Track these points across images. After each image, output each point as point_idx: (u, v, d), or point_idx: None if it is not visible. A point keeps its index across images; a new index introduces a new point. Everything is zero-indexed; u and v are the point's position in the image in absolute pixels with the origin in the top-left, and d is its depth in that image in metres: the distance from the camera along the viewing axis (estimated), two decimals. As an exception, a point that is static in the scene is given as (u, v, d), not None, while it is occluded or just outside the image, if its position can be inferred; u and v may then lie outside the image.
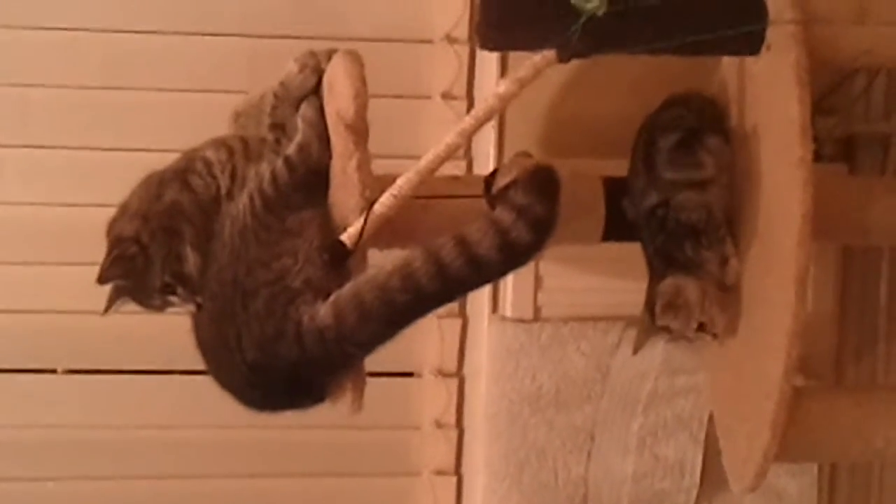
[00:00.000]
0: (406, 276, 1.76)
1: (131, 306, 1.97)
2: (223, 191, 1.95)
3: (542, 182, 1.78)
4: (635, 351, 2.12)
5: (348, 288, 1.80)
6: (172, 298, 1.93)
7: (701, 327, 2.04)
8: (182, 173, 1.98)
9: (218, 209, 1.94)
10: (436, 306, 1.83)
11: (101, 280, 1.91)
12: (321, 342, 1.79)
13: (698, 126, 2.09)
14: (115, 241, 1.93)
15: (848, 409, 2.07)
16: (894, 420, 2.04)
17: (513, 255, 1.76)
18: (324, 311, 1.79)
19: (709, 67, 2.16)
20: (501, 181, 2.01)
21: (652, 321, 2.07)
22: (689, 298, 2.03)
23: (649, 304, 2.07)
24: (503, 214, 1.75)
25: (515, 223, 1.74)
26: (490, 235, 1.74)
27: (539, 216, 1.75)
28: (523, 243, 1.75)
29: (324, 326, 1.79)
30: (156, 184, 1.98)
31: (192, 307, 1.93)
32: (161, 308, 1.96)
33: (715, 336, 2.05)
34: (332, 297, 1.80)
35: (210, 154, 1.98)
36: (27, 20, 2.48)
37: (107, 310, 1.97)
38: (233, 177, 1.96)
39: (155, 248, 1.93)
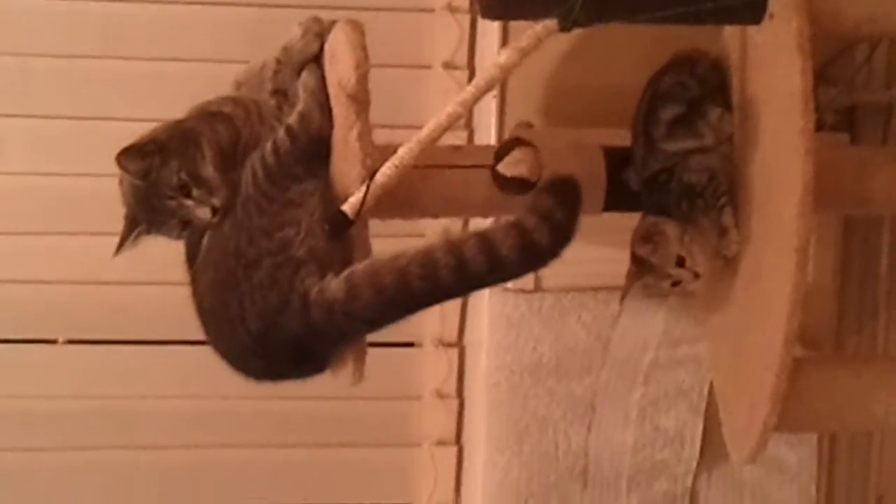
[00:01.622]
0: (426, 265, 1.76)
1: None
2: (242, 141, 1.95)
3: (566, 191, 1.80)
4: (622, 299, 2.12)
5: (365, 265, 1.80)
6: (188, 202, 1.91)
7: (681, 263, 2.04)
8: (206, 116, 1.98)
9: (235, 159, 1.94)
10: (449, 298, 1.85)
11: (120, 164, 1.90)
12: (329, 315, 1.79)
13: (700, 95, 2.09)
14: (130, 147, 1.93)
15: (848, 379, 2.07)
16: (894, 390, 2.05)
17: (531, 258, 1.78)
18: (336, 284, 1.79)
19: (711, 36, 2.15)
20: (506, 170, 2.01)
21: (636, 268, 2.08)
22: (667, 232, 2.04)
23: (632, 253, 2.08)
24: (528, 218, 1.77)
25: (539, 226, 1.76)
26: (513, 236, 1.75)
27: (560, 222, 1.77)
28: (543, 247, 1.77)
29: (334, 300, 1.79)
30: (174, 122, 1.98)
31: (208, 212, 1.91)
32: (175, 225, 1.94)
33: (697, 276, 2.05)
34: (345, 272, 1.80)
35: (228, 109, 1.98)
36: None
37: (120, 245, 1.97)
38: (251, 134, 1.95)
39: (173, 146, 1.92)
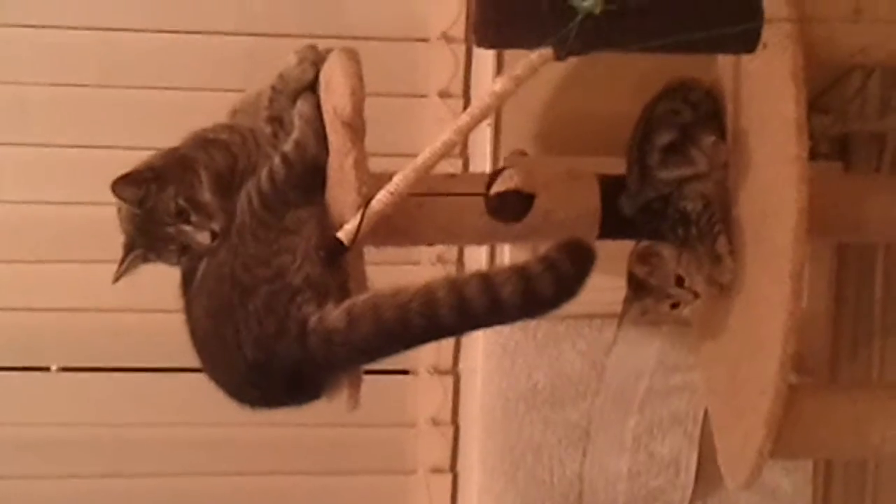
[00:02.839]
0: (427, 303, 1.76)
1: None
2: (239, 168, 1.95)
3: (580, 250, 1.80)
4: (619, 323, 2.13)
5: (366, 298, 1.81)
6: (186, 228, 1.91)
7: (680, 283, 2.04)
8: (202, 142, 1.98)
9: (232, 185, 1.94)
10: (448, 336, 1.87)
11: (116, 192, 1.90)
12: (327, 344, 1.79)
13: (693, 122, 2.10)
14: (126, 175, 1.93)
15: (843, 406, 2.08)
16: (890, 417, 2.05)
17: (531, 305, 1.78)
18: (336, 314, 1.79)
19: (705, 65, 2.16)
20: (499, 186, 2.02)
21: (633, 292, 2.08)
22: (663, 253, 2.04)
23: (629, 277, 2.09)
24: (533, 264, 1.77)
25: (542, 274, 1.76)
26: (515, 280, 1.75)
27: (566, 276, 1.76)
28: (544, 296, 1.76)
29: (334, 330, 1.79)
30: (170, 149, 1.99)
31: (207, 236, 1.91)
32: (174, 251, 1.94)
33: (696, 296, 2.05)
34: (346, 304, 1.80)
35: (225, 136, 1.99)
36: (25, 19, 2.48)
37: (118, 273, 1.97)
38: (248, 160, 1.96)
39: (169, 173, 1.93)
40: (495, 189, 2.03)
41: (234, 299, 1.85)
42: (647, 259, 2.05)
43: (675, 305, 2.08)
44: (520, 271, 1.76)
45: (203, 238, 1.91)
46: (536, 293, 1.76)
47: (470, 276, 1.78)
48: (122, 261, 1.96)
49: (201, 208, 1.92)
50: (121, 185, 1.90)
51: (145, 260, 1.97)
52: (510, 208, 2.05)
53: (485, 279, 1.77)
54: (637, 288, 2.08)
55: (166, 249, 1.94)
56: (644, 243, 2.07)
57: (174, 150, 1.98)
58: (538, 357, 2.67)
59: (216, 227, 1.91)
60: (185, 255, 1.94)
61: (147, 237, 1.94)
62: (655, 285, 2.06)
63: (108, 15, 2.49)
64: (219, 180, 1.93)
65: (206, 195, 1.92)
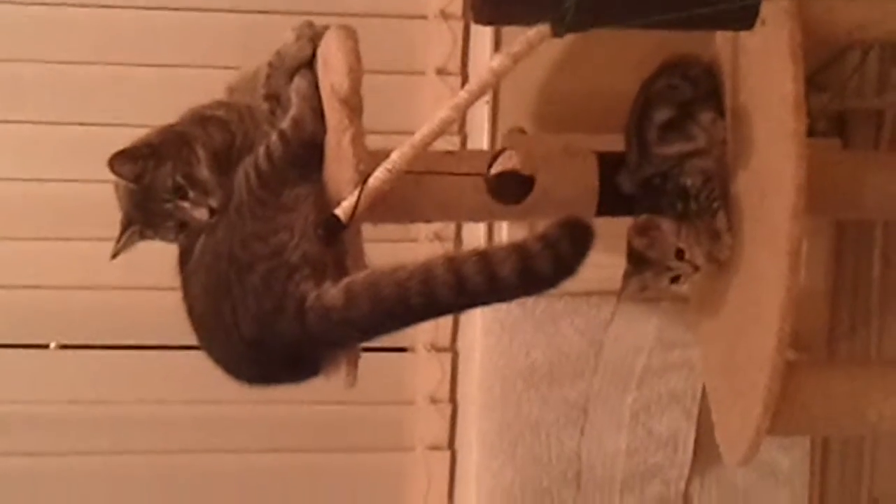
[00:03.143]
0: (425, 281, 1.76)
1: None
2: (236, 145, 1.95)
3: (578, 229, 1.79)
4: (619, 298, 2.12)
5: (365, 275, 1.81)
6: (184, 204, 1.92)
7: (680, 255, 2.04)
8: (199, 120, 1.98)
9: (229, 162, 1.94)
10: (446, 314, 1.87)
11: (113, 168, 1.90)
12: (325, 322, 1.79)
13: (692, 98, 2.10)
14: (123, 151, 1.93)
15: (841, 383, 2.08)
16: (887, 394, 2.05)
17: (529, 283, 1.78)
18: (334, 292, 1.79)
19: (704, 42, 2.15)
20: (499, 167, 2.02)
21: (633, 266, 2.08)
22: (662, 226, 2.04)
23: (628, 250, 2.09)
24: (532, 243, 1.77)
25: (541, 253, 1.75)
26: (514, 259, 1.75)
27: (564, 254, 1.76)
28: (542, 274, 1.76)
29: (332, 307, 1.79)
30: (167, 126, 1.98)
31: (205, 213, 1.91)
32: (172, 227, 1.94)
33: (696, 268, 2.05)
34: (345, 281, 1.81)
35: (223, 114, 1.99)
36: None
37: (116, 250, 1.97)
38: (245, 138, 1.96)
39: (166, 149, 1.93)
40: (495, 170, 2.03)
41: (231, 277, 1.85)
42: (647, 232, 2.05)
43: (675, 279, 2.07)
44: (518, 249, 1.76)
45: (201, 214, 1.91)
46: (535, 271, 1.76)
47: (468, 254, 1.78)
48: (120, 237, 1.96)
49: (199, 185, 1.92)
50: (118, 161, 1.90)
51: (143, 236, 1.97)
52: (510, 190, 2.05)
53: (483, 257, 1.77)
54: (636, 261, 2.08)
55: (164, 226, 1.94)
56: (643, 216, 2.06)
57: (171, 127, 1.98)
58: (536, 334, 2.67)
59: (214, 203, 1.91)
60: (183, 231, 1.94)
61: (145, 214, 1.94)
62: (655, 258, 2.05)
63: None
64: (216, 157, 1.93)
65: (204, 172, 1.92)
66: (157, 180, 1.92)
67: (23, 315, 2.63)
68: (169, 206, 1.93)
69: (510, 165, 2.02)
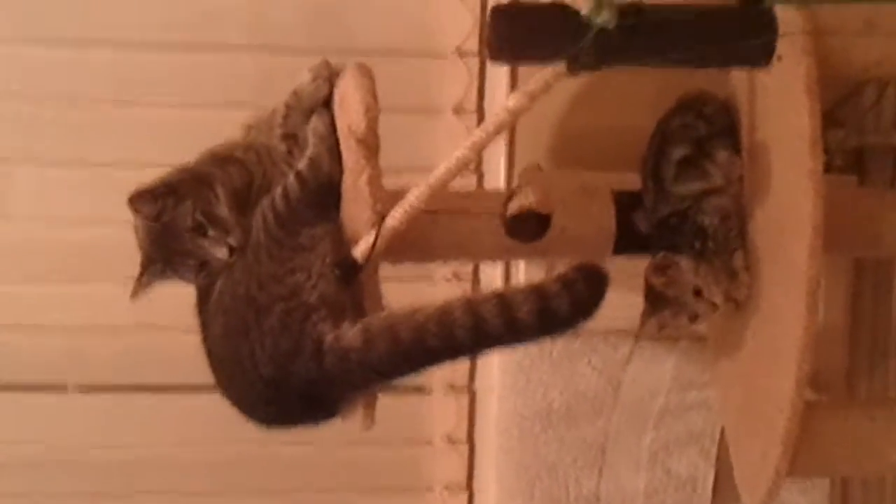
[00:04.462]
0: (443, 323, 1.77)
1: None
2: (255, 185, 1.96)
3: (594, 272, 1.80)
4: (637, 337, 2.12)
5: (383, 317, 1.81)
6: (204, 242, 1.92)
7: (698, 293, 2.04)
8: (218, 160, 1.99)
9: (248, 202, 1.94)
10: (465, 356, 1.86)
11: (133, 206, 1.91)
12: (343, 363, 1.79)
13: (708, 135, 2.09)
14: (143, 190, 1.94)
15: (860, 424, 2.07)
16: (907, 434, 2.04)
17: (548, 324, 1.78)
18: (352, 334, 1.80)
19: (719, 79, 2.16)
20: (516, 205, 2.02)
21: (651, 305, 2.07)
22: (680, 264, 2.03)
23: (646, 289, 2.08)
24: (550, 284, 1.77)
25: (560, 293, 1.76)
26: (532, 300, 1.75)
27: (583, 296, 1.77)
28: (561, 316, 1.77)
29: (350, 349, 1.79)
30: (185, 166, 1.99)
31: (225, 251, 1.92)
32: (192, 266, 1.94)
33: (715, 307, 2.04)
34: (363, 323, 1.81)
35: (240, 154, 1.99)
36: (38, 35, 2.49)
37: (136, 290, 1.96)
38: (263, 178, 1.96)
39: (186, 188, 1.94)
40: (511, 209, 2.04)
41: (249, 318, 1.85)
42: (665, 270, 2.05)
43: (693, 318, 2.07)
44: (536, 291, 1.77)
45: (221, 252, 1.92)
46: (553, 312, 1.76)
47: (486, 296, 1.78)
48: (140, 277, 1.96)
49: (218, 222, 1.92)
50: (138, 199, 1.91)
51: (163, 276, 1.97)
52: (527, 228, 2.05)
53: (501, 299, 1.77)
54: (654, 300, 2.07)
55: (184, 265, 1.95)
56: (661, 255, 2.06)
57: (190, 166, 1.99)
58: (553, 374, 2.67)
59: (234, 241, 1.91)
60: (203, 271, 1.94)
61: (165, 252, 1.94)
62: (673, 297, 2.05)
63: (121, 31, 2.50)
64: (235, 197, 1.93)
65: (224, 210, 1.92)
66: (176, 218, 1.92)
67: (41, 357, 2.64)
68: (189, 244, 1.93)
69: (527, 204, 2.03)
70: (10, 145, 2.54)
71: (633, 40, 1.70)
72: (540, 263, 2.45)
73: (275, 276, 1.86)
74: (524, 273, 2.54)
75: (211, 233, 1.92)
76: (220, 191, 1.93)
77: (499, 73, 2.51)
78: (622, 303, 2.12)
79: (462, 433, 2.75)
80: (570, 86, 2.44)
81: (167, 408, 2.69)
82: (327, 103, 1.97)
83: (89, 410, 2.69)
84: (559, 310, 1.76)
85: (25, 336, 2.62)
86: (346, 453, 2.71)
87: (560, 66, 1.71)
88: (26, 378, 2.65)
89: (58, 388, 2.68)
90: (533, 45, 1.73)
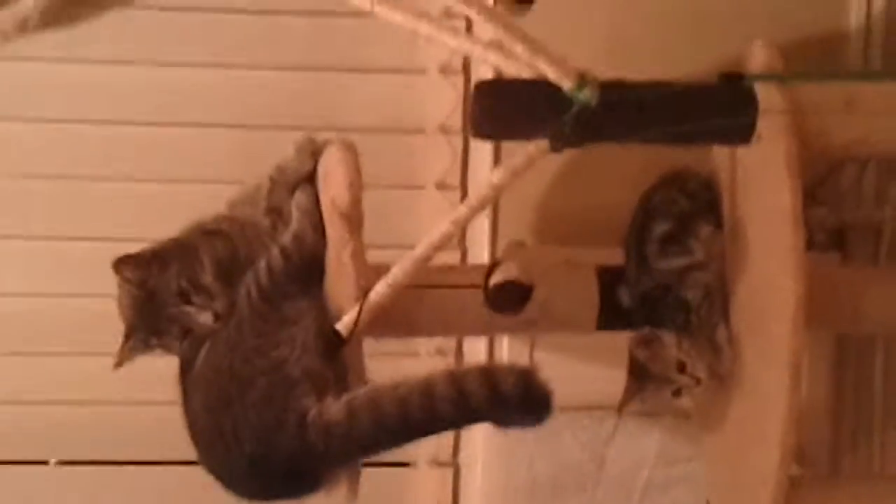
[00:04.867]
0: (426, 396, 1.77)
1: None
2: (240, 258, 1.96)
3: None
4: (620, 411, 2.11)
5: (366, 391, 1.81)
6: (188, 309, 1.91)
7: (681, 368, 2.04)
8: (203, 232, 1.99)
9: (232, 274, 1.95)
10: (449, 429, 1.86)
11: (118, 271, 1.91)
12: (327, 438, 1.79)
13: (690, 211, 2.11)
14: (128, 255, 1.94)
15: (844, 499, 2.07)
16: (892, 510, 2.04)
17: (532, 400, 1.79)
18: (336, 408, 1.79)
19: (701, 156, 2.17)
20: (498, 277, 2.03)
21: (635, 379, 2.07)
22: (663, 339, 2.04)
23: (630, 363, 2.08)
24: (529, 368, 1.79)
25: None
26: (517, 374, 1.76)
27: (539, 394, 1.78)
28: (546, 391, 1.78)
29: (333, 423, 1.78)
30: (170, 238, 2.00)
31: (210, 317, 1.91)
32: (176, 334, 1.94)
33: (698, 381, 2.04)
34: (346, 397, 1.80)
35: (225, 227, 2.00)
36: (25, 113, 2.50)
37: (119, 359, 1.95)
38: (248, 251, 1.97)
39: (171, 255, 1.94)
40: (493, 280, 2.04)
41: (232, 391, 1.85)
42: (648, 344, 2.05)
43: (676, 392, 2.07)
44: (520, 366, 1.78)
45: (205, 319, 1.91)
46: (538, 387, 1.77)
47: (470, 369, 1.78)
48: (123, 346, 1.95)
49: (203, 290, 1.92)
50: (123, 264, 1.91)
51: (146, 346, 1.96)
52: (509, 300, 2.06)
53: (485, 372, 1.77)
54: (638, 374, 2.07)
55: (168, 333, 1.94)
56: (645, 329, 2.07)
57: (175, 237, 1.99)
58: (539, 448, 2.66)
59: (219, 307, 1.91)
60: (186, 339, 1.94)
61: (148, 320, 1.94)
62: (657, 371, 2.05)
63: (108, 108, 2.51)
64: (220, 267, 1.94)
65: (208, 278, 1.92)
66: (161, 284, 1.92)
67: (21, 431, 2.62)
68: (173, 310, 1.92)
69: (508, 276, 2.03)
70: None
71: (614, 117, 1.72)
72: (524, 339, 2.45)
73: (258, 349, 1.86)
74: (507, 349, 2.54)
75: (195, 299, 1.92)
76: (205, 260, 1.93)
77: (482, 150, 2.52)
78: (606, 378, 2.13)
79: (447, 507, 2.74)
80: (554, 162, 2.46)
81: (149, 482, 2.67)
82: (311, 178, 1.98)
83: (71, 485, 2.67)
84: (545, 385, 1.76)
85: (5, 410, 2.60)
86: (329, 528, 2.69)
87: (543, 143, 1.72)
88: (7, 453, 2.63)
89: (39, 462, 2.67)
90: (516, 121, 1.75)
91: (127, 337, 1.96)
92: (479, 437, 2.67)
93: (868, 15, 2.55)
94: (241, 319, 1.89)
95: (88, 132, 2.51)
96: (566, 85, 1.68)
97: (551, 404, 1.78)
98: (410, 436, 1.81)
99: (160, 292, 1.92)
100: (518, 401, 1.76)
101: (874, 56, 2.57)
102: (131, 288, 1.93)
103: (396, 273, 1.81)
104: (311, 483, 1.87)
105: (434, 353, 2.61)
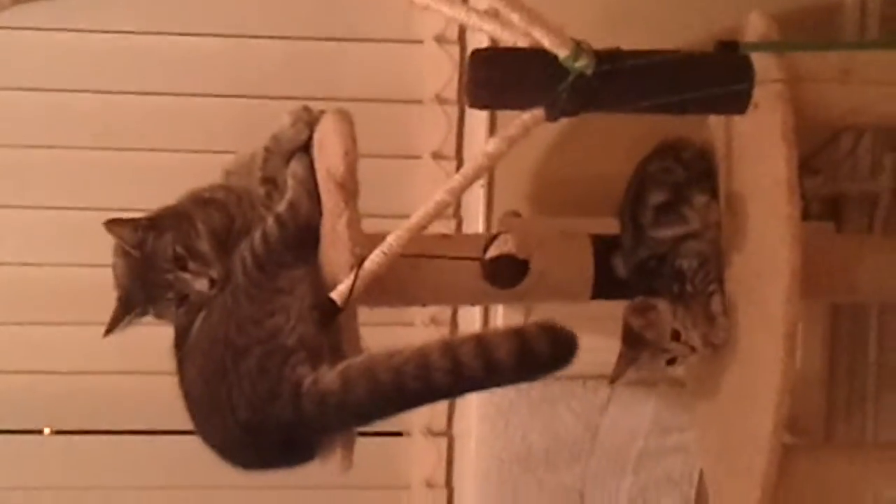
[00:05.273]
0: (421, 366, 1.75)
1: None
2: (235, 227, 1.96)
3: (562, 333, 1.77)
4: (612, 381, 2.11)
5: (361, 360, 1.80)
6: (184, 275, 1.91)
7: (676, 337, 2.04)
8: (199, 201, 1.99)
9: (228, 243, 1.95)
10: (443, 398, 1.85)
11: (112, 230, 1.92)
12: (321, 406, 1.78)
13: (685, 180, 2.11)
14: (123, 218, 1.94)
15: (838, 467, 2.07)
16: (884, 477, 2.04)
17: (527, 365, 1.76)
18: (330, 377, 1.78)
19: (697, 125, 2.17)
20: (494, 251, 2.03)
21: (629, 347, 2.07)
22: (659, 307, 2.04)
23: (624, 331, 2.08)
24: (530, 326, 1.76)
25: (539, 335, 1.75)
26: (510, 340, 1.74)
27: (561, 337, 1.76)
28: (541, 356, 1.75)
29: (328, 392, 1.78)
30: (166, 206, 2.00)
31: (206, 283, 1.91)
32: (172, 300, 1.94)
33: (693, 350, 2.05)
34: (341, 366, 1.80)
35: (221, 196, 2.00)
36: (23, 82, 2.50)
37: (111, 327, 1.95)
38: (243, 220, 1.97)
39: (167, 222, 1.94)
40: (490, 254, 2.04)
41: (227, 361, 1.84)
42: (644, 312, 2.05)
43: (671, 361, 2.07)
44: (516, 332, 1.76)
45: (201, 285, 1.91)
46: (533, 353, 1.75)
47: (464, 339, 1.77)
48: (116, 314, 1.95)
49: (199, 256, 1.92)
50: (117, 223, 1.91)
51: (141, 314, 1.96)
52: (505, 274, 2.06)
53: (480, 341, 1.76)
54: (633, 342, 2.07)
55: (163, 299, 1.94)
56: (640, 297, 2.07)
57: (171, 205, 1.99)
58: (532, 418, 2.66)
59: (214, 274, 1.91)
60: (183, 305, 1.94)
61: (144, 287, 1.94)
62: (651, 339, 2.05)
63: (104, 78, 2.51)
64: (215, 236, 1.93)
65: (204, 245, 1.92)
66: (157, 250, 1.92)
67: (16, 400, 2.62)
68: (169, 276, 1.92)
69: (505, 249, 2.03)
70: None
71: (610, 86, 1.72)
72: (518, 308, 2.45)
73: (253, 318, 1.86)
74: (502, 317, 2.54)
75: (191, 265, 1.92)
76: (200, 227, 1.93)
77: (478, 119, 2.52)
78: (601, 347, 2.13)
79: (440, 477, 2.74)
80: (549, 131, 2.45)
81: (144, 452, 2.68)
82: (307, 147, 1.97)
83: (65, 454, 2.68)
84: (539, 350, 1.75)
85: (1, 379, 2.60)
86: (324, 497, 2.69)
87: (538, 112, 1.71)
88: (1, 422, 2.63)
89: (34, 431, 2.67)
90: (511, 90, 1.74)
91: (120, 305, 1.96)
92: (474, 407, 2.67)
93: (864, -16, 2.55)
94: (237, 288, 1.89)
95: (86, 101, 2.51)
96: (562, 54, 1.67)
97: (548, 366, 1.76)
98: (405, 405, 1.81)
99: (156, 257, 1.92)
100: (513, 367, 1.75)
101: (871, 25, 2.56)
102: (128, 250, 1.93)
103: (392, 242, 1.81)
104: (306, 452, 1.87)
105: (429, 322, 2.62)
